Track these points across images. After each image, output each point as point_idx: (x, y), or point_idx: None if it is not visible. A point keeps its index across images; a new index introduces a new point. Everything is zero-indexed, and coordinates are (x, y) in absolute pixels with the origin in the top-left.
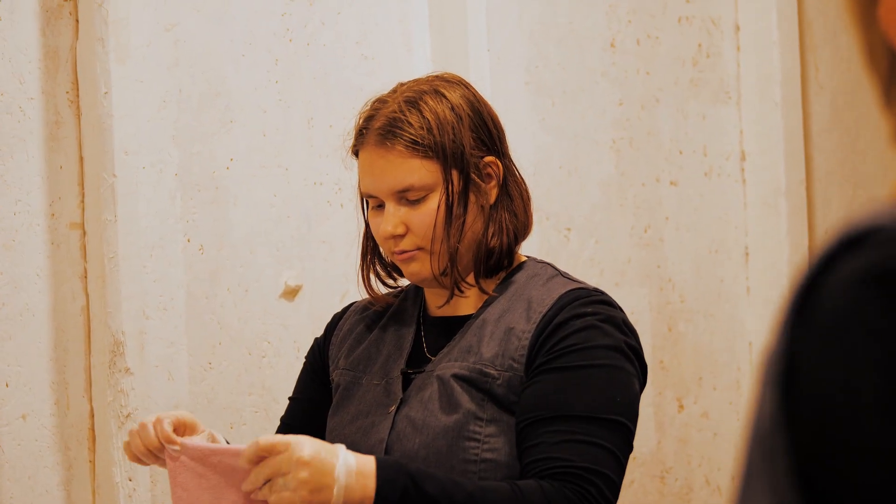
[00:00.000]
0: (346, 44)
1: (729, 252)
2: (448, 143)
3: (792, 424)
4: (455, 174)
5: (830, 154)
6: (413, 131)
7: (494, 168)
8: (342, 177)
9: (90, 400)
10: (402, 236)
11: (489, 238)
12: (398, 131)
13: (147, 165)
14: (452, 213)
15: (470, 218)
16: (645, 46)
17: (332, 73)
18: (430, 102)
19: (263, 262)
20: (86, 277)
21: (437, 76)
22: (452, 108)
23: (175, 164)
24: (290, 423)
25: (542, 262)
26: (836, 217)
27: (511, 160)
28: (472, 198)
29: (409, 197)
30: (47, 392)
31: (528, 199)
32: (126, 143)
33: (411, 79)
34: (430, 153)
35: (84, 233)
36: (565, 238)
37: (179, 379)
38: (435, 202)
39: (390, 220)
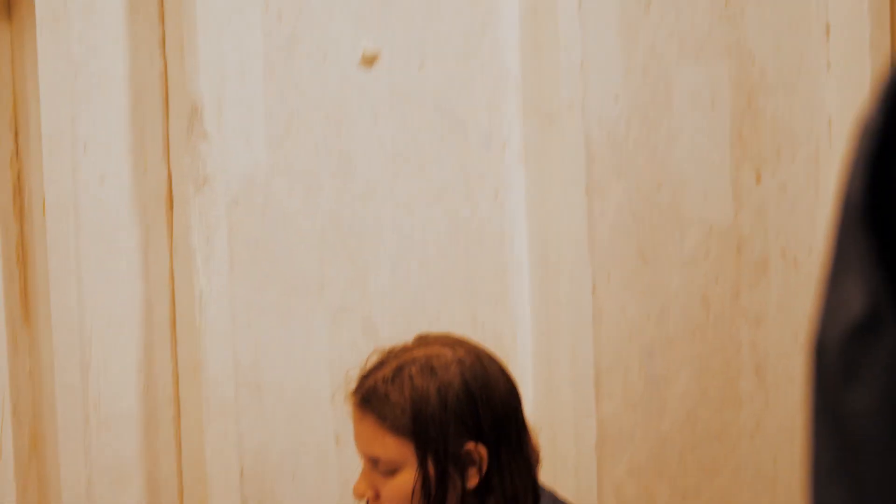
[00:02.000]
0: None
1: (810, 27)
2: (422, 429)
3: (880, 202)
4: (430, 460)
5: None
6: (388, 410)
7: (476, 455)
8: None
9: (168, 164)
10: (375, 498)
11: None
12: (374, 404)
13: None
14: (428, 498)
15: None
16: None
17: None
18: (416, 379)
19: (341, 29)
20: (164, 43)
21: (444, 339)
22: (438, 390)
23: None
24: None
25: None
26: None
27: (509, 442)
28: (449, 484)
29: (378, 467)
30: (125, 155)
31: (530, 473)
32: None
33: (428, 334)
34: (402, 433)
35: None
36: (645, 9)
37: (257, 144)
38: (404, 478)
39: (363, 481)
